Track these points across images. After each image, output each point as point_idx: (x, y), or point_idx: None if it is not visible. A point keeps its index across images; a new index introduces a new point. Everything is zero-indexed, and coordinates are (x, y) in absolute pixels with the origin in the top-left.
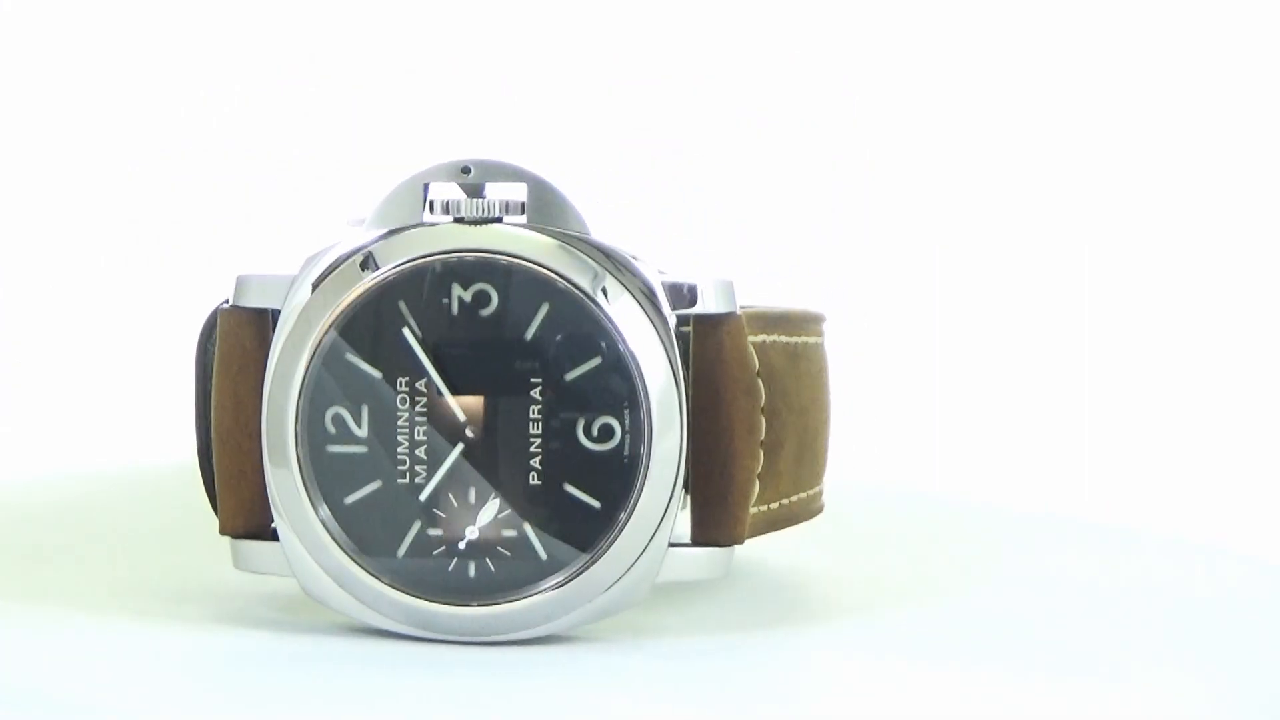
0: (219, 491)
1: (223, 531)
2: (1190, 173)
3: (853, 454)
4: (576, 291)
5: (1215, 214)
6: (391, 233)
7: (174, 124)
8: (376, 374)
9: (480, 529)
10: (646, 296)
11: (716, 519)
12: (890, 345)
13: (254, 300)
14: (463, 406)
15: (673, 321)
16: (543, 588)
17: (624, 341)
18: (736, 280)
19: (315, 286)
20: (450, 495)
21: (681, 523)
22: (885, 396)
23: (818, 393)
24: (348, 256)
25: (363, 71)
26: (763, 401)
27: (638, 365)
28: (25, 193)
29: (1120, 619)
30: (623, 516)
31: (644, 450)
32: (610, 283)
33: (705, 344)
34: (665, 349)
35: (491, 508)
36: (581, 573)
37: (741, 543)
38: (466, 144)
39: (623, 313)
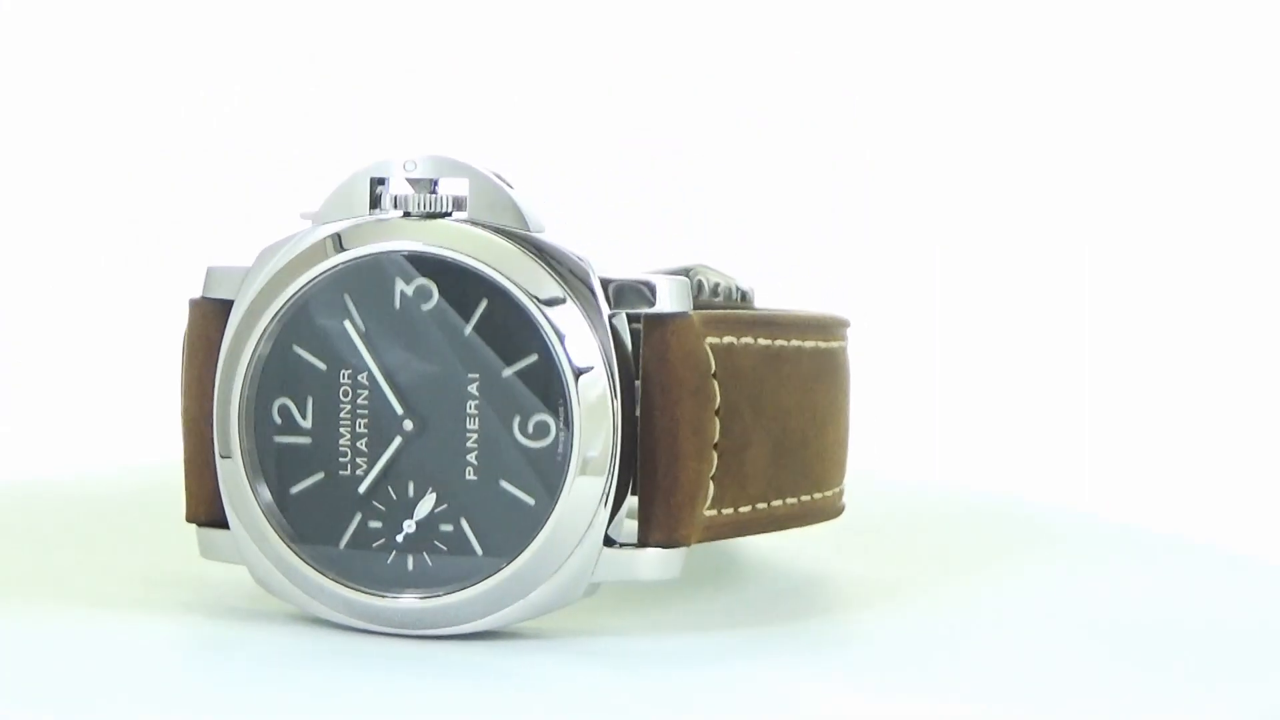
0: (185, 479)
1: (188, 519)
2: (1200, 174)
3: (878, 452)
4: (513, 289)
5: (1237, 216)
6: (326, 226)
7: (171, 122)
8: (321, 365)
9: (418, 522)
10: (584, 295)
11: (661, 520)
12: (906, 345)
13: (218, 291)
14: (401, 400)
15: (617, 321)
16: (476, 582)
17: (557, 340)
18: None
19: (253, 279)
20: (390, 488)
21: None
22: (902, 394)
23: (810, 396)
24: (295, 249)
25: (360, 68)
26: (717, 403)
27: (570, 364)
28: (25, 192)
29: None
30: (553, 513)
31: (574, 448)
32: (546, 281)
33: (653, 344)
34: (600, 348)
35: (428, 501)
36: (513, 569)
37: (689, 545)
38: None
39: (557, 311)
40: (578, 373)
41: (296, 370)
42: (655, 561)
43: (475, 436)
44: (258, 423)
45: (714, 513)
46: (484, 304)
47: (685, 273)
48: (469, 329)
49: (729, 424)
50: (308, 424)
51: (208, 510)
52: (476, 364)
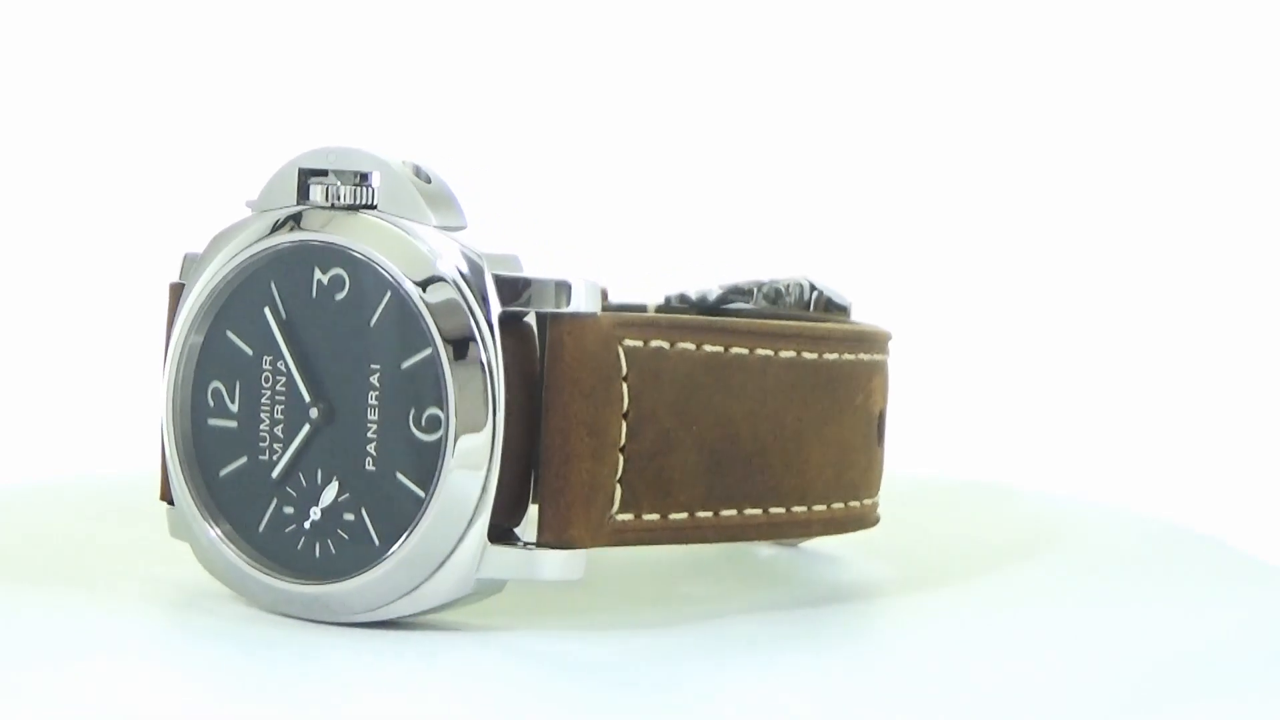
0: (162, 459)
1: (160, 497)
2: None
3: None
4: (407, 284)
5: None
6: (266, 214)
7: (173, 113)
8: (248, 351)
9: (323, 510)
10: (475, 292)
11: (551, 520)
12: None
13: (184, 276)
14: (310, 388)
15: (530, 319)
16: (363, 571)
17: (438, 335)
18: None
19: (204, 265)
20: (300, 475)
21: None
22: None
23: (774, 407)
24: (232, 237)
25: (357, 62)
26: (624, 406)
27: (449, 359)
28: (25, 191)
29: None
30: (430, 507)
31: (448, 443)
32: (435, 276)
33: (550, 344)
34: (481, 345)
35: (332, 490)
36: (396, 560)
37: (585, 547)
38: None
39: (443, 307)
40: (454, 368)
41: (227, 354)
42: (550, 562)
43: (375, 428)
44: (194, 405)
45: (629, 517)
46: (388, 296)
47: (753, 285)
48: (374, 320)
49: (640, 428)
50: (235, 408)
51: (168, 490)
52: (379, 355)
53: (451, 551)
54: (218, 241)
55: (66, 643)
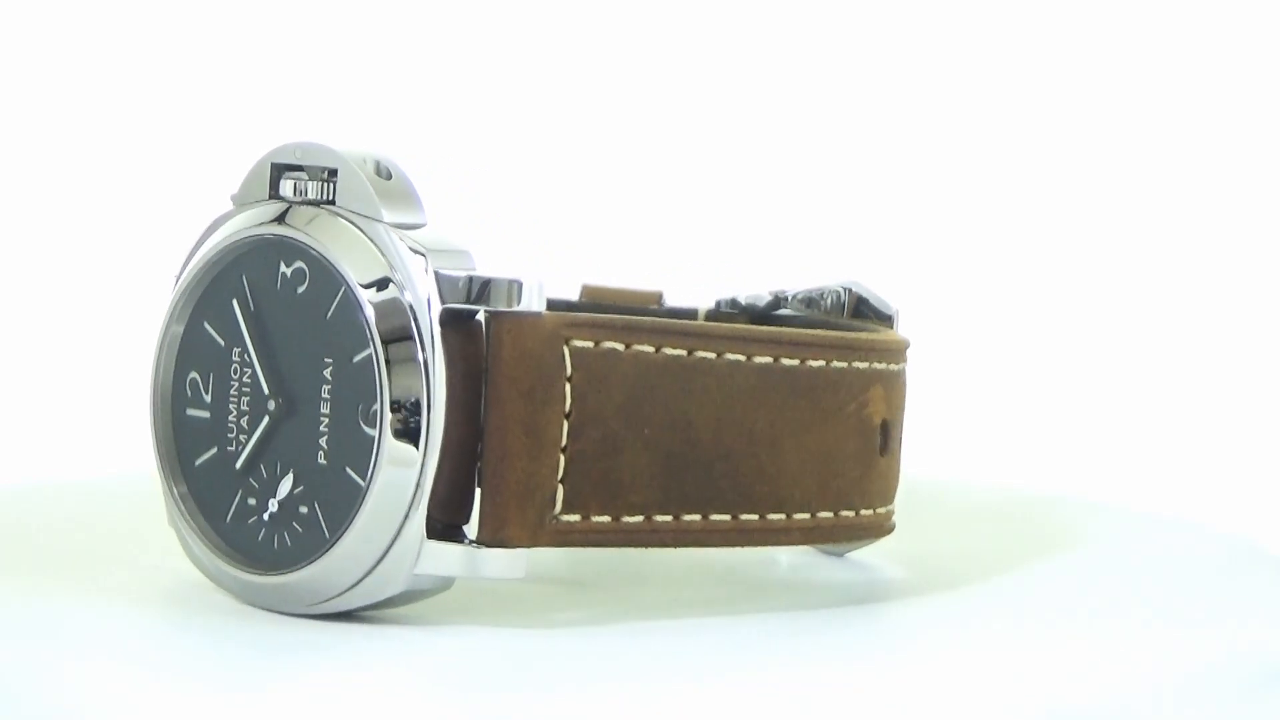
0: None
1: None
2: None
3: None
4: (353, 280)
5: None
6: (244, 207)
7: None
8: (220, 342)
9: (279, 502)
10: (413, 290)
11: (488, 518)
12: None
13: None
14: (270, 380)
15: (480, 317)
16: (312, 563)
17: (375, 331)
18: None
19: (190, 256)
20: (261, 466)
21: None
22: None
23: (741, 412)
24: (213, 229)
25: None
26: (567, 406)
27: (385, 355)
28: (24, 191)
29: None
30: (366, 500)
31: (382, 438)
32: (379, 273)
33: (491, 342)
34: (418, 344)
35: (287, 483)
36: (338, 553)
37: (521, 546)
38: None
39: (384, 305)
40: (391, 366)
41: (204, 345)
42: (486, 560)
43: (327, 421)
44: (175, 395)
45: (576, 518)
46: (342, 291)
47: (770, 293)
48: (329, 315)
49: (584, 429)
50: (209, 398)
51: None
52: (332, 350)
53: (389, 546)
54: (204, 233)
55: (66, 642)
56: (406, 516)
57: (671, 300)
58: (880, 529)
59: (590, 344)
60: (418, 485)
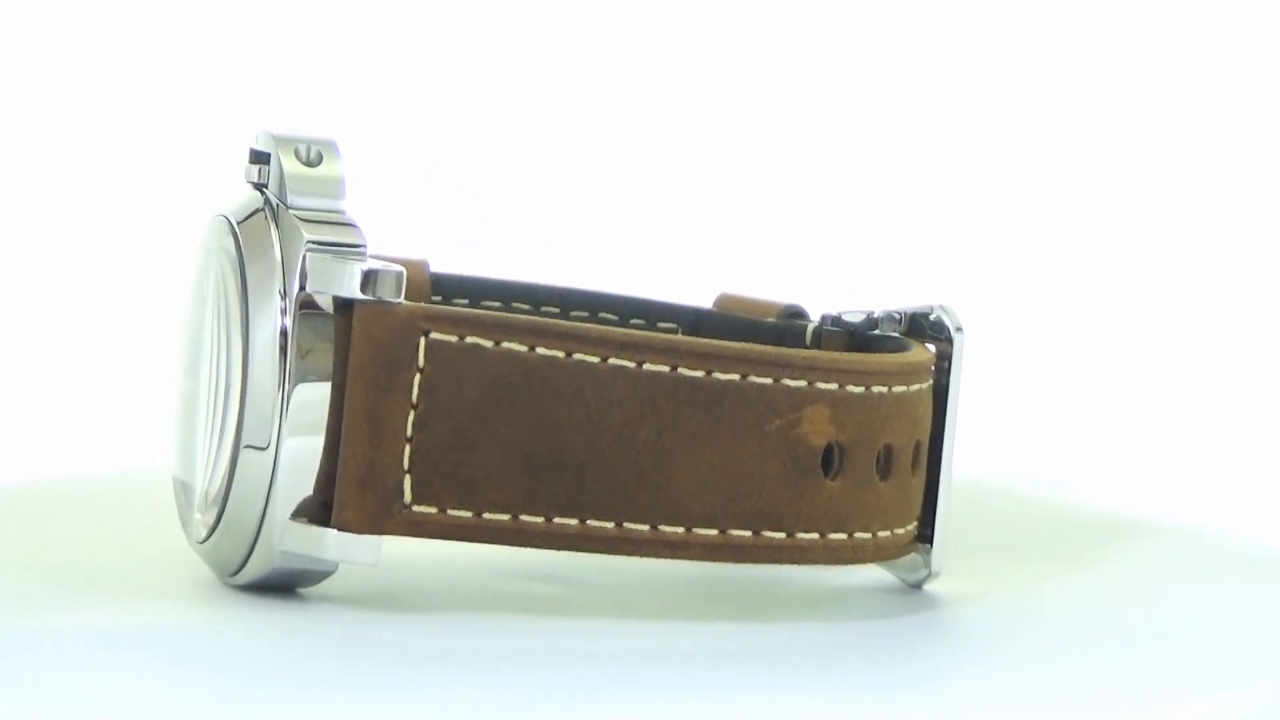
0: None
1: None
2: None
3: None
4: (246, 264)
5: None
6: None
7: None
8: (196, 320)
9: (209, 477)
10: (285, 276)
11: (339, 503)
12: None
13: None
14: (204, 357)
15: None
16: (211, 538)
17: (248, 317)
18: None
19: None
20: (204, 440)
21: None
22: None
23: (612, 418)
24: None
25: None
26: (413, 396)
27: (246, 341)
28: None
29: None
30: (234, 483)
31: (243, 423)
32: (260, 259)
33: (350, 329)
34: (279, 329)
35: (214, 457)
36: (225, 529)
37: (361, 531)
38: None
39: (260, 289)
40: (251, 350)
41: (193, 324)
42: (327, 541)
43: (236, 398)
44: (184, 371)
45: (430, 510)
46: (240, 276)
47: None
48: (242, 298)
49: (431, 421)
50: (192, 375)
51: None
52: (242, 330)
53: (260, 524)
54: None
55: (66, 642)
56: (269, 495)
57: (814, 314)
58: (866, 553)
59: (452, 338)
60: (274, 466)
